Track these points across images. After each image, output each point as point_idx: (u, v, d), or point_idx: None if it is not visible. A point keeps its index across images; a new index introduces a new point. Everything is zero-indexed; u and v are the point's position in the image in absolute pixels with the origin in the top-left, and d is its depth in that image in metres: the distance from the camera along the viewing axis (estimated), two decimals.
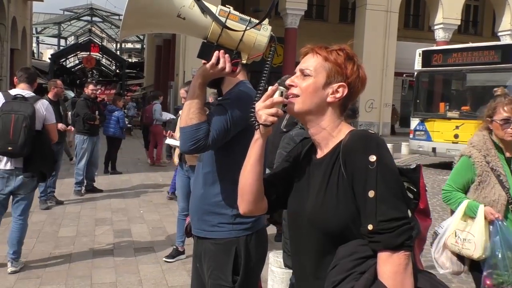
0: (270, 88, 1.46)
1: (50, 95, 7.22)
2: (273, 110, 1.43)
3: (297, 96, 1.47)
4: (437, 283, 1.41)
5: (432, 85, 13.68)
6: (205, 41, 1.92)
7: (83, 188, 8.28)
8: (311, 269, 1.49)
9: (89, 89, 8.56)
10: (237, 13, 1.90)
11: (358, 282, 1.31)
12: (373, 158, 1.34)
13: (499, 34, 22.84)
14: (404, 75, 14.58)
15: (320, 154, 1.52)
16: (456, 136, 11.79)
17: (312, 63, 1.49)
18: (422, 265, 1.56)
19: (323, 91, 1.47)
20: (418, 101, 13.28)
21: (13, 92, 4.60)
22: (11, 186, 4.45)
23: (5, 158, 4.41)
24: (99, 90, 9.26)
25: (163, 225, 6.29)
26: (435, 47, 14.84)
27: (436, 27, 22.41)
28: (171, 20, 1.85)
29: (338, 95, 1.47)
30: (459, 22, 22.50)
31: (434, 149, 12.34)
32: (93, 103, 8.52)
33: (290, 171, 1.62)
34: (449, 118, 12.09)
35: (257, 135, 1.50)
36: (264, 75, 1.64)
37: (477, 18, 29.27)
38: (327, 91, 1.47)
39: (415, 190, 1.51)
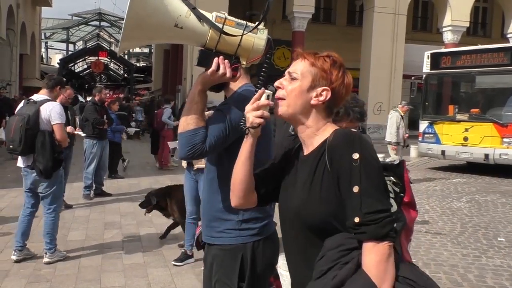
0: (258, 92, 1.57)
1: (57, 100, 7.32)
2: (259, 113, 1.55)
3: (283, 99, 1.58)
4: (419, 273, 1.48)
5: (441, 88, 13.61)
6: (203, 48, 1.94)
7: (92, 192, 8.31)
8: (300, 261, 1.59)
9: (103, 93, 8.62)
10: (233, 18, 1.93)
11: (341, 271, 1.39)
12: (356, 155, 1.43)
13: (508, 35, 22.72)
14: (413, 77, 14.52)
15: (306, 151, 1.62)
16: (465, 138, 11.71)
17: (299, 67, 1.60)
18: (409, 255, 1.64)
19: (308, 94, 1.57)
20: (427, 103, 13.21)
21: (32, 97, 5.03)
22: (28, 183, 4.89)
23: (19, 157, 4.87)
24: (108, 95, 9.30)
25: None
26: (443, 50, 14.79)
27: (444, 29, 22.31)
28: (169, 31, 1.87)
29: (321, 98, 1.57)
30: (467, 24, 22.38)
31: (443, 152, 12.26)
32: (102, 108, 8.56)
33: (280, 167, 1.72)
34: (458, 121, 12.02)
35: (247, 136, 1.61)
36: (261, 78, 1.68)
37: (485, 20, 29.09)
38: (311, 94, 1.57)
39: (400, 184, 1.60)
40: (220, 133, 2.00)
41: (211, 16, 1.89)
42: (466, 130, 11.72)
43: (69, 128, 7.21)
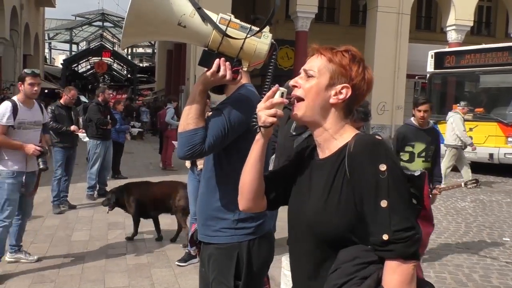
0: (271, 89, 1.47)
1: (61, 100, 7.47)
2: (272, 111, 1.44)
3: (301, 100, 1.47)
4: None
5: (445, 87, 13.58)
6: (206, 49, 1.94)
7: (96, 192, 8.31)
8: (308, 271, 1.49)
9: (106, 93, 8.63)
10: (237, 21, 1.92)
11: (360, 287, 1.30)
12: (383, 167, 1.33)
13: None
14: (417, 77, 14.47)
15: (322, 155, 1.51)
16: (469, 138, 11.65)
17: (316, 64, 1.49)
18: (422, 271, 1.56)
19: (326, 92, 1.46)
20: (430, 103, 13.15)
21: None
22: None
23: None
24: (111, 95, 9.30)
25: (175, 229, 6.28)
26: (447, 49, 14.72)
27: (448, 28, 22.22)
28: (172, 29, 1.86)
29: (341, 96, 1.46)
30: (471, 24, 22.28)
31: None
32: (105, 108, 8.57)
33: (291, 170, 1.61)
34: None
35: (258, 135, 1.51)
36: (267, 81, 1.64)
37: (490, 19, 28.98)
38: (330, 92, 1.46)
39: (419, 196, 1.50)
40: (219, 132, 2.00)
41: (216, 17, 1.89)
42: (471, 129, 11.66)
43: (73, 127, 7.26)
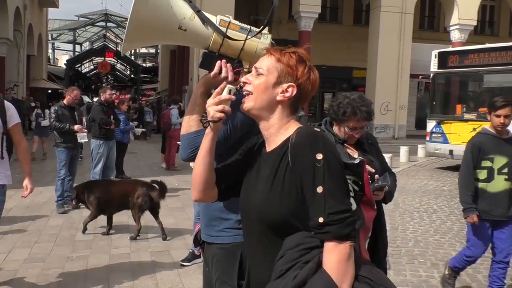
0: (220, 86, 1.58)
1: (64, 101, 7.49)
2: (220, 107, 1.54)
3: (249, 93, 1.59)
4: (376, 272, 1.50)
5: (448, 87, 13.53)
6: (206, 51, 1.97)
7: None
8: (260, 260, 1.59)
9: (107, 94, 8.61)
10: (237, 22, 1.96)
11: (302, 270, 1.40)
12: (319, 156, 1.44)
13: None
14: (420, 77, 14.44)
15: (268, 148, 1.63)
16: None
17: (265, 63, 1.60)
18: (367, 254, 1.69)
19: (273, 89, 1.58)
20: (434, 103, 13.14)
21: None
22: None
23: None
24: (114, 95, 9.31)
25: (179, 229, 6.29)
26: (451, 49, 14.68)
27: (451, 28, 22.21)
28: (172, 33, 1.89)
29: (287, 94, 1.57)
30: (475, 23, 22.27)
31: (451, 152, 12.16)
32: (108, 108, 8.57)
33: (242, 163, 1.72)
34: (466, 120, 11.92)
35: (207, 130, 1.61)
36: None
37: (493, 19, 28.92)
38: (277, 90, 1.58)
39: (360, 183, 1.63)
40: (221, 134, 2.01)
41: (215, 19, 1.92)
42: (474, 129, 11.60)
43: (76, 127, 7.28)
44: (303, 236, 1.46)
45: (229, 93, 1.56)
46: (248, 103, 1.59)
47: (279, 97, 1.57)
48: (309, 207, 1.45)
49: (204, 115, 1.59)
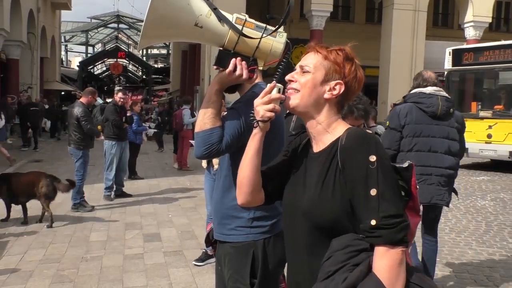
0: (268, 85, 1.54)
1: (83, 101, 7.63)
2: (270, 106, 1.52)
3: (296, 91, 1.55)
4: (428, 280, 1.47)
5: (463, 84, 13.38)
6: (221, 49, 1.97)
7: (113, 193, 8.36)
8: (304, 260, 1.55)
9: (118, 96, 8.69)
10: (253, 20, 1.96)
11: (352, 273, 1.36)
12: (373, 158, 1.40)
13: None
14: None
15: (316, 148, 1.59)
16: (489, 136, 11.49)
17: (312, 60, 1.57)
18: (410, 260, 1.61)
19: (321, 87, 1.54)
20: None
21: None
22: None
23: None
24: (122, 99, 9.36)
25: (192, 229, 6.29)
26: (465, 46, 14.52)
27: (466, 25, 21.91)
28: (188, 29, 1.89)
29: (335, 92, 1.54)
30: (490, 20, 21.94)
31: (466, 150, 12.03)
32: (121, 109, 8.62)
33: (287, 164, 1.68)
34: (482, 118, 11.79)
35: (256, 130, 1.58)
36: (277, 75, 1.67)
37: (508, 15, 28.51)
38: (324, 87, 1.54)
39: (406, 187, 1.58)
40: (235, 131, 2.02)
41: (231, 17, 1.92)
42: (490, 127, 11.49)
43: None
44: (351, 238, 1.43)
45: (279, 92, 1.53)
46: (293, 101, 1.55)
47: (326, 95, 1.54)
48: (361, 209, 1.41)
49: (252, 114, 1.56)
